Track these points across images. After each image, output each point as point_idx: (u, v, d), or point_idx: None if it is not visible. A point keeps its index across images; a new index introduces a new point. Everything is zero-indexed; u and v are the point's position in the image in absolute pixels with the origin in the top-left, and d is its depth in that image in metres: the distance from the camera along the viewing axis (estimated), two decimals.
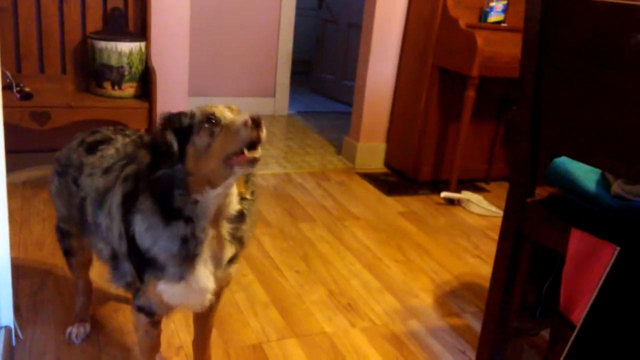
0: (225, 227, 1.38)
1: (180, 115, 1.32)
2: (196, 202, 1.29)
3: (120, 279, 1.52)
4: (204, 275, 1.38)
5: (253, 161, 1.24)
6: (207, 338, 1.71)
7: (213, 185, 1.29)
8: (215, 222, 1.35)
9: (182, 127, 1.29)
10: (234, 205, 1.36)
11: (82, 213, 1.62)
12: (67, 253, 1.83)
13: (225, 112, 1.29)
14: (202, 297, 1.43)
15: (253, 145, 1.23)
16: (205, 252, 1.36)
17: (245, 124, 1.22)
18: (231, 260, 1.44)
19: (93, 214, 1.56)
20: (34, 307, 1.96)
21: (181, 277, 1.36)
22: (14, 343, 1.75)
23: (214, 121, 1.27)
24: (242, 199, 1.39)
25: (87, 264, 1.88)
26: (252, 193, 1.43)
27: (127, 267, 1.47)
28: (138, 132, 1.77)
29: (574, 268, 1.26)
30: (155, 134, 1.32)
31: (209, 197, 1.30)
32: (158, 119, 1.35)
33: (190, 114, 1.31)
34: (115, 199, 1.47)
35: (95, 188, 1.56)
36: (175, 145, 1.28)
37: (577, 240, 1.23)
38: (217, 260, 1.40)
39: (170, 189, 1.29)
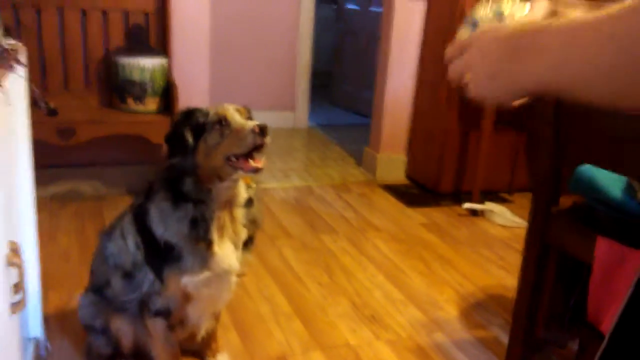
0: (239, 213, 1.53)
1: (196, 112, 1.47)
2: (209, 190, 1.45)
3: (135, 290, 1.57)
4: (225, 255, 1.50)
5: (256, 170, 1.43)
6: (216, 326, 1.83)
7: (220, 179, 1.45)
8: (229, 208, 1.51)
9: (198, 123, 1.45)
10: (243, 194, 1.53)
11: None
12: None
13: (235, 116, 1.46)
14: (227, 280, 1.55)
15: (257, 149, 1.41)
16: (220, 235, 1.49)
17: (252, 130, 1.39)
18: (246, 244, 1.58)
19: (102, 249, 1.66)
20: (62, 318, 1.98)
21: (203, 266, 1.48)
22: (43, 354, 1.77)
23: (224, 123, 1.43)
24: (248, 187, 1.54)
25: None
26: (255, 182, 1.59)
27: (142, 275, 1.54)
28: None
29: (601, 277, 1.24)
30: (174, 127, 1.49)
31: (219, 188, 1.46)
32: (178, 114, 1.52)
33: (205, 113, 1.46)
34: (126, 219, 1.60)
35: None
36: (191, 139, 1.44)
37: (604, 249, 1.21)
38: (234, 244, 1.54)
39: (182, 175, 1.44)
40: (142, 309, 1.58)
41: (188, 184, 1.43)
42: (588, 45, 0.50)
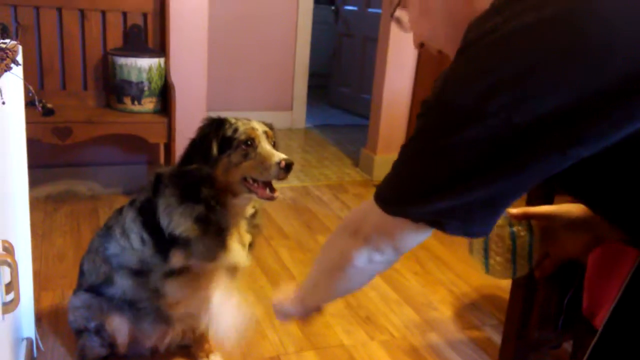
0: (244, 223, 1.59)
1: (225, 124, 1.48)
2: (225, 203, 1.48)
3: (148, 286, 1.59)
4: (235, 250, 1.54)
5: (271, 199, 1.47)
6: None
7: (234, 194, 1.50)
8: (236, 220, 1.55)
9: (225, 137, 1.46)
10: (250, 209, 1.60)
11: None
12: None
13: (263, 140, 1.47)
14: (234, 273, 1.61)
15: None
16: (232, 239, 1.55)
17: (278, 164, 1.41)
18: (250, 246, 1.63)
19: (103, 249, 1.65)
20: (55, 319, 1.98)
21: (212, 256, 1.51)
22: (35, 354, 1.76)
23: (250, 144, 1.45)
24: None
25: None
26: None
27: (152, 265, 1.56)
28: None
29: (596, 272, 1.25)
30: (203, 134, 1.48)
31: (232, 203, 1.50)
32: (207, 121, 1.51)
33: (234, 127, 1.47)
34: (128, 216, 1.59)
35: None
36: (215, 151, 1.45)
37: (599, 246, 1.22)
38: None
39: (197, 183, 1.46)
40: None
41: (205, 194, 1.47)
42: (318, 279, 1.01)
